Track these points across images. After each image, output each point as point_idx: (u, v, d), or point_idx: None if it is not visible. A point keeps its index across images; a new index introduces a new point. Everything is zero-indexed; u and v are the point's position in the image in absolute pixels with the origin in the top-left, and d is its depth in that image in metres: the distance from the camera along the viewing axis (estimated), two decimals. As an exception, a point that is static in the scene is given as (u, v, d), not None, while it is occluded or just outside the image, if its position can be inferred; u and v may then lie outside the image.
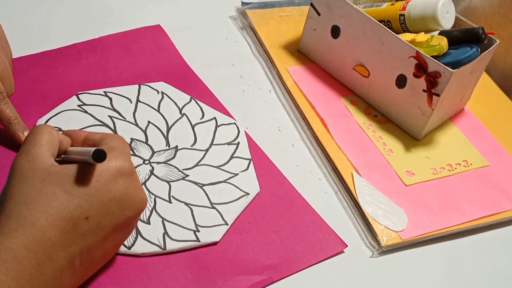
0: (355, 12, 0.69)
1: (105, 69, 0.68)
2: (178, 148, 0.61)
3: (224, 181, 0.60)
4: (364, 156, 0.66)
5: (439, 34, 0.69)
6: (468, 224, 0.63)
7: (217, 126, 0.65)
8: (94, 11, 0.77)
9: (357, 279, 0.56)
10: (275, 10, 0.84)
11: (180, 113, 0.65)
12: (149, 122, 0.63)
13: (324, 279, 0.55)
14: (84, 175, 0.44)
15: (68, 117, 0.61)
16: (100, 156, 0.43)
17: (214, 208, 0.57)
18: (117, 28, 0.74)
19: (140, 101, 0.64)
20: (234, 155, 0.62)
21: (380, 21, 0.70)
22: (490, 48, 0.68)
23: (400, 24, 0.71)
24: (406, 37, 0.67)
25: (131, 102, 0.65)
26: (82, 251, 0.44)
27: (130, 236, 0.53)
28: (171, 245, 0.53)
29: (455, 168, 0.68)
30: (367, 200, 0.61)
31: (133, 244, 0.52)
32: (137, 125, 0.62)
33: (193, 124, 0.64)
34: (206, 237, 0.54)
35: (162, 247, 0.53)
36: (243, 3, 0.83)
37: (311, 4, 0.74)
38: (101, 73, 0.68)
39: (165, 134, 0.62)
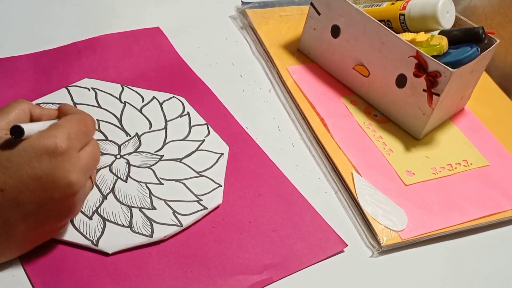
0: (355, 11, 0.69)
1: (105, 69, 0.68)
2: (139, 134, 0.62)
3: (197, 150, 0.62)
4: (364, 155, 0.66)
5: (439, 33, 0.69)
6: (468, 224, 0.62)
7: (160, 104, 0.66)
8: (94, 11, 0.77)
9: (357, 279, 0.56)
10: (275, 9, 0.84)
11: (121, 102, 0.65)
12: (98, 120, 0.62)
13: (324, 279, 0.55)
14: (8, 148, 0.44)
15: None
16: (15, 132, 0.44)
17: (202, 175, 0.60)
18: (117, 28, 0.74)
19: (77, 104, 0.63)
20: (192, 125, 0.64)
21: (380, 21, 0.70)
22: (490, 47, 0.68)
23: (400, 23, 0.71)
24: (406, 36, 0.67)
25: None
26: None
27: (146, 226, 0.53)
28: (185, 220, 0.55)
29: (455, 168, 0.68)
30: (367, 200, 0.61)
31: (152, 232, 0.53)
32: None
33: (139, 109, 0.65)
34: (210, 202, 0.57)
35: (179, 224, 0.54)
36: (243, 3, 0.83)
37: (311, 4, 0.74)
38: (101, 73, 0.68)
39: (120, 126, 0.62)
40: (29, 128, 0.45)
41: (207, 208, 0.56)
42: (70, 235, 0.51)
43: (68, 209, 0.48)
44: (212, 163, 0.61)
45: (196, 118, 0.66)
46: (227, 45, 0.78)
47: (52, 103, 0.63)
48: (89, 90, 0.65)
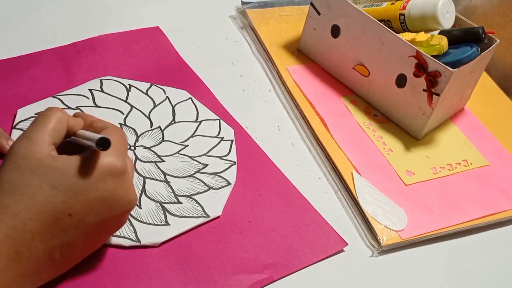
0: (355, 11, 0.69)
1: (104, 69, 0.68)
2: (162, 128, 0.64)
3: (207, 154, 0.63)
4: (364, 155, 0.66)
5: (439, 33, 0.69)
6: (468, 224, 0.62)
7: (173, 105, 0.66)
8: (94, 11, 0.77)
9: (357, 278, 0.56)
10: (275, 9, 0.84)
11: (151, 98, 0.67)
12: (133, 106, 0.65)
13: (324, 279, 0.55)
14: (71, 170, 0.44)
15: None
16: (104, 144, 0.43)
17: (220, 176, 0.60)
18: (117, 28, 0.74)
19: (108, 94, 0.65)
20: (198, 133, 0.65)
21: (380, 21, 0.70)
22: (490, 47, 0.68)
23: (400, 23, 0.71)
24: (406, 36, 0.67)
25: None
26: (62, 245, 0.44)
27: (129, 227, 0.53)
28: (175, 222, 0.55)
29: (455, 168, 0.68)
30: (367, 200, 0.61)
31: (136, 234, 0.53)
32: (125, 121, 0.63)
33: (173, 105, 0.66)
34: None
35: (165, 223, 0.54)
36: (243, 3, 0.83)
37: (311, 4, 0.74)
38: (101, 73, 0.68)
39: (147, 115, 0.64)
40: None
41: (208, 217, 0.56)
42: None
43: (122, 222, 0.49)
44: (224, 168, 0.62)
45: (208, 113, 0.67)
46: (227, 45, 0.78)
47: (81, 94, 0.64)
48: (122, 84, 0.67)
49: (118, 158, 0.45)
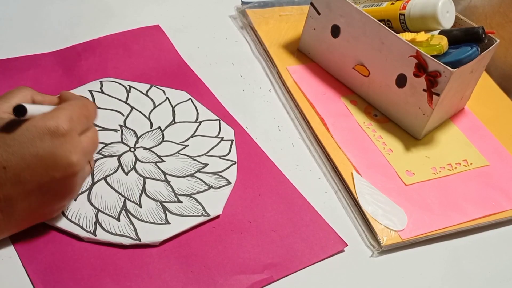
0: (355, 11, 0.69)
1: (104, 70, 0.68)
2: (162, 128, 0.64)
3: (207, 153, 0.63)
4: (364, 155, 0.66)
5: (439, 33, 0.69)
6: (468, 224, 0.63)
7: (173, 106, 0.66)
8: (94, 11, 0.77)
9: (357, 278, 0.56)
10: (275, 9, 0.84)
11: (151, 100, 0.66)
12: (133, 107, 0.64)
13: (324, 279, 0.55)
14: (12, 128, 0.45)
15: None
16: (18, 111, 0.44)
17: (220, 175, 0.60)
18: (117, 28, 0.74)
19: (109, 95, 0.65)
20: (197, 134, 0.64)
21: (380, 21, 0.70)
22: (490, 47, 0.68)
23: (400, 23, 0.71)
24: (406, 36, 0.67)
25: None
26: (0, 199, 0.45)
27: (129, 225, 0.53)
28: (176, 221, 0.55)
29: (455, 168, 0.68)
30: (367, 200, 0.61)
31: (136, 232, 0.53)
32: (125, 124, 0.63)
33: (173, 106, 0.66)
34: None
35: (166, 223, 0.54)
36: (243, 3, 0.83)
37: (311, 4, 0.74)
38: (101, 74, 0.68)
39: (147, 116, 0.64)
40: (32, 109, 0.46)
41: (208, 216, 0.56)
42: (67, 225, 0.52)
43: (68, 189, 0.49)
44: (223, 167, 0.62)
45: (208, 114, 0.67)
46: (227, 45, 0.78)
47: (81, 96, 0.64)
48: (121, 85, 0.67)
49: (62, 121, 0.46)
